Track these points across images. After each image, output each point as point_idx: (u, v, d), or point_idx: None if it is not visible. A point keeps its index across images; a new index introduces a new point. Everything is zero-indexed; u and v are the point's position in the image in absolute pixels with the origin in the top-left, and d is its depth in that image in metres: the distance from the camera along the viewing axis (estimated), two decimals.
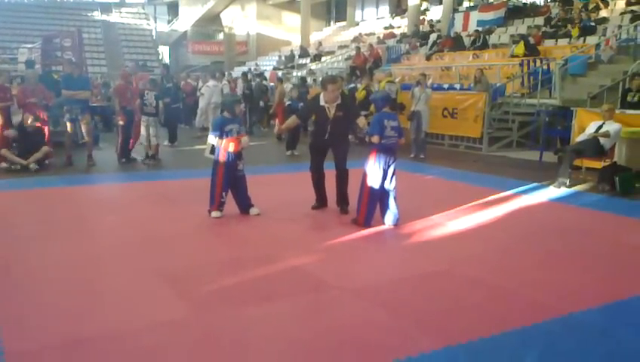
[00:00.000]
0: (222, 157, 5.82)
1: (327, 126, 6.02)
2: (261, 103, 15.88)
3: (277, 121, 11.93)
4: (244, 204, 6.04)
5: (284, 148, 11.17)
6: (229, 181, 5.88)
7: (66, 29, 21.13)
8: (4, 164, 8.66)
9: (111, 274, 4.23)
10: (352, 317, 3.52)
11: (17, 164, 8.46)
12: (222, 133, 5.81)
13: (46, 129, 9.11)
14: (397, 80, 13.14)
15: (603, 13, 16.36)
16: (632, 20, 14.17)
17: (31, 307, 3.56)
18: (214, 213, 5.88)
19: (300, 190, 6.67)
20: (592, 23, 15.16)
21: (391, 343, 3.16)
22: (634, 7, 15.30)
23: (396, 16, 27.37)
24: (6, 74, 9.22)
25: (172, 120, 12.57)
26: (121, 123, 9.60)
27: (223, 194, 5.87)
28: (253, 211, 6.02)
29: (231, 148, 5.79)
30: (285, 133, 10.81)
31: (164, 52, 33.57)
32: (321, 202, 6.29)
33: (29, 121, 8.71)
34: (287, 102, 12.69)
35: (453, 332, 3.30)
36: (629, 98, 9.66)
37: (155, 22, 35.22)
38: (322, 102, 6.05)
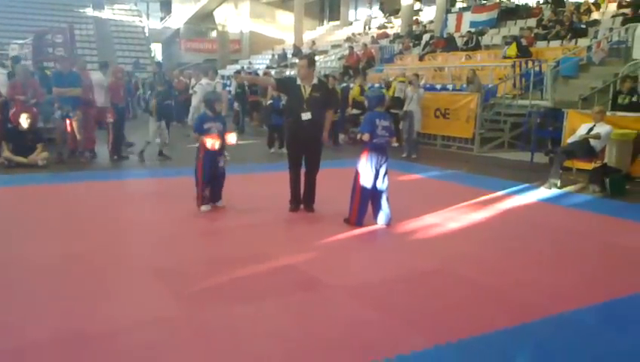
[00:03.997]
0: (201, 153, 5.97)
1: (303, 106, 5.89)
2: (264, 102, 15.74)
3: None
4: (214, 195, 6.18)
5: (275, 147, 11.20)
6: (210, 177, 6.03)
7: (57, 25, 20.98)
8: None
9: (102, 271, 4.21)
10: (344, 315, 3.53)
11: (13, 161, 8.40)
12: (202, 131, 5.93)
13: None
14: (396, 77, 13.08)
15: (595, 15, 16.46)
16: (623, 23, 14.27)
17: (24, 304, 3.54)
18: (203, 208, 6.05)
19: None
20: (583, 26, 15.26)
21: (382, 341, 3.17)
22: (625, 10, 15.41)
23: (384, 16, 27.37)
24: None
25: (164, 117, 12.49)
26: (111, 120, 9.54)
27: (204, 186, 6.05)
28: (220, 203, 6.20)
29: (209, 144, 5.87)
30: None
31: (156, 49, 33.42)
32: (297, 204, 6.24)
33: (23, 120, 8.63)
34: (269, 101, 12.60)
35: (444, 330, 3.31)
36: (619, 100, 9.73)
37: (148, 19, 35.04)
38: (298, 82, 6.04)
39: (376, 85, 13.16)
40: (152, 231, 5.40)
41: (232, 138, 6.11)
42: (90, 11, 30.85)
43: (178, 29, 34.56)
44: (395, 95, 12.00)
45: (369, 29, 26.39)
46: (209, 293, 3.81)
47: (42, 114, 9.70)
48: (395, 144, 6.01)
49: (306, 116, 5.88)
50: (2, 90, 9.31)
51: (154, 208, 6.35)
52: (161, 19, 37.33)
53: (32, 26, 21.09)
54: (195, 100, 13.79)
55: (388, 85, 12.61)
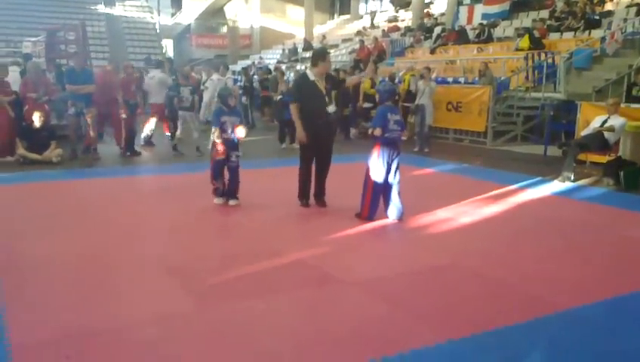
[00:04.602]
0: (213, 148, 6.12)
1: (325, 100, 5.89)
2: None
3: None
4: (229, 192, 6.24)
5: (286, 142, 11.21)
6: (221, 170, 6.14)
7: (69, 22, 21.08)
8: (9, 158, 8.68)
9: (116, 267, 4.25)
10: (356, 310, 3.54)
11: (28, 159, 8.49)
12: (219, 124, 6.04)
13: None
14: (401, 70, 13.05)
15: (608, 6, 16.25)
16: (637, 14, 14.08)
17: (37, 300, 3.58)
18: (215, 200, 6.22)
19: None
20: (597, 17, 15.07)
21: (394, 336, 3.17)
22: (639, 1, 15.19)
23: (394, 10, 27.23)
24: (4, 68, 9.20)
25: (176, 113, 12.56)
26: (124, 116, 9.60)
27: (215, 181, 6.18)
28: (232, 202, 6.22)
29: (219, 150, 6.02)
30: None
31: (167, 45, 33.55)
32: (307, 200, 6.23)
33: (36, 118, 8.70)
34: (279, 97, 12.51)
35: (456, 325, 3.31)
36: (634, 92, 9.63)
37: (159, 15, 35.17)
38: (312, 78, 5.99)
39: (386, 79, 13.09)
40: (164, 227, 5.43)
41: (240, 132, 6.12)
42: (101, 8, 30.96)
43: (189, 25, 34.68)
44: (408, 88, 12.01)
45: (374, 23, 26.23)
46: (220, 289, 3.84)
47: (55, 111, 9.79)
48: (404, 137, 6.05)
49: (332, 108, 5.96)
50: (15, 88, 9.40)
51: (166, 204, 6.38)
52: (172, 15, 37.44)
53: (45, 24, 21.21)
54: (206, 96, 13.84)
55: (392, 78, 12.56)
